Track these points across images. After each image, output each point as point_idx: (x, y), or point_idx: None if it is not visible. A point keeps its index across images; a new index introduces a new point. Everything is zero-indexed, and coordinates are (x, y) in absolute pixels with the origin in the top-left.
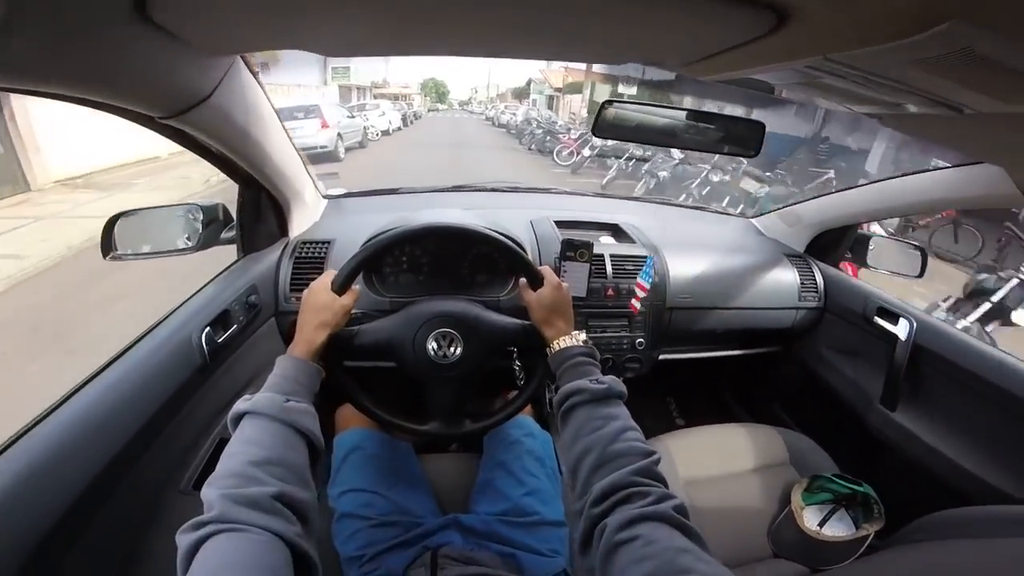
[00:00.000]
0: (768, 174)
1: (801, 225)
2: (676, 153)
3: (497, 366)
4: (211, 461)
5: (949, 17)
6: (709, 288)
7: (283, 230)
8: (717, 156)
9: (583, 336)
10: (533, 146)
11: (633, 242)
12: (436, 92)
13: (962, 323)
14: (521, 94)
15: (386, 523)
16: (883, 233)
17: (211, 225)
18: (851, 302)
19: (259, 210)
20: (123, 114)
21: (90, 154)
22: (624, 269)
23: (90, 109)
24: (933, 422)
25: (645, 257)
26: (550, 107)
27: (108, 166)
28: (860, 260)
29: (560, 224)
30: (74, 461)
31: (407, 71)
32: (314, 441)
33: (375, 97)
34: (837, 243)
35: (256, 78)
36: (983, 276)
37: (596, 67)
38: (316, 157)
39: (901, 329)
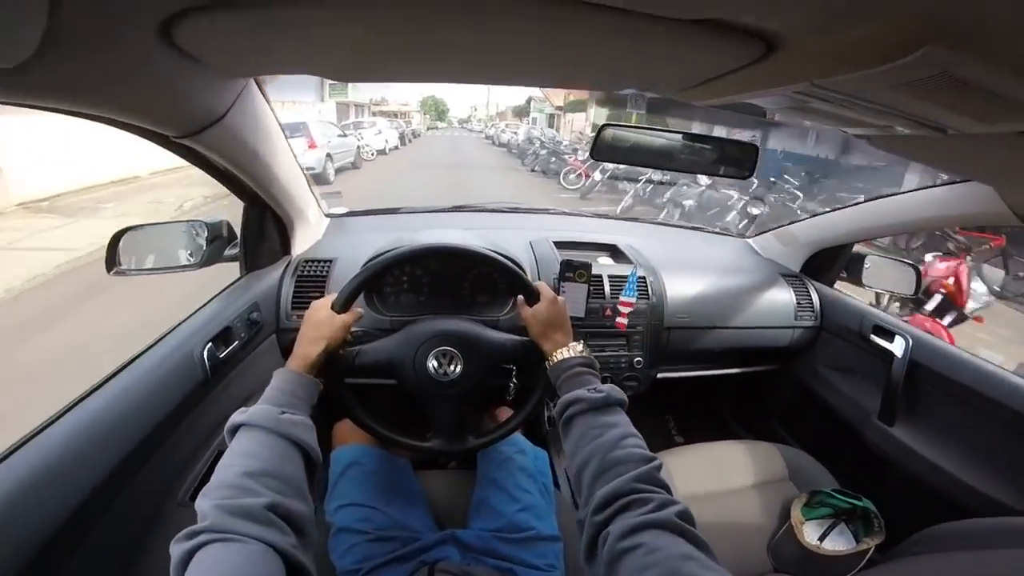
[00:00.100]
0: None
1: (797, 245)
2: (702, 179)
3: (495, 384)
4: (210, 474)
5: (924, 43)
6: (706, 308)
7: (286, 248)
8: (756, 184)
9: (580, 347)
10: (536, 167)
11: (631, 263)
12: (436, 110)
13: None
14: (521, 113)
15: (383, 538)
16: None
17: (215, 242)
18: (847, 320)
19: (263, 228)
20: (139, 132)
21: (62, 174)
22: (622, 289)
23: (64, 126)
24: (931, 436)
25: (643, 278)
26: (551, 126)
27: (81, 187)
28: (855, 279)
29: (559, 245)
30: (74, 471)
31: (407, 89)
32: (310, 453)
33: (374, 114)
34: (832, 262)
35: (267, 98)
36: None
37: None
38: None
39: (897, 346)
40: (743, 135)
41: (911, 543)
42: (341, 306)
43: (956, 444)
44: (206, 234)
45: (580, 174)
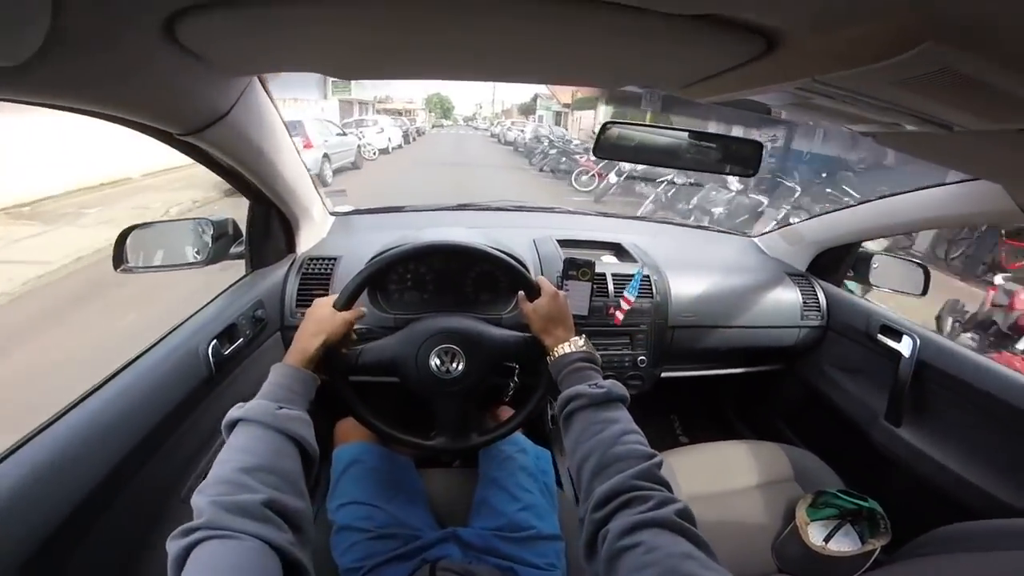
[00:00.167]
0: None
1: (803, 244)
2: (733, 183)
3: (498, 382)
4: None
5: (924, 39)
6: (711, 307)
7: (291, 246)
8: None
9: (582, 341)
10: (545, 167)
11: (635, 261)
12: (441, 108)
13: None
14: (527, 110)
15: (384, 536)
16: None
17: (220, 240)
18: (854, 320)
19: (268, 226)
20: (143, 130)
21: (50, 176)
22: (626, 288)
23: (54, 126)
24: (938, 437)
25: (647, 276)
26: (558, 123)
27: (69, 190)
28: (862, 278)
29: (563, 243)
30: (78, 466)
31: (411, 86)
32: (307, 448)
33: (379, 112)
34: (839, 261)
35: (270, 96)
36: None
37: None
38: None
39: (904, 346)
40: (760, 135)
41: (917, 544)
42: (343, 304)
43: (964, 445)
44: (212, 232)
45: (593, 175)
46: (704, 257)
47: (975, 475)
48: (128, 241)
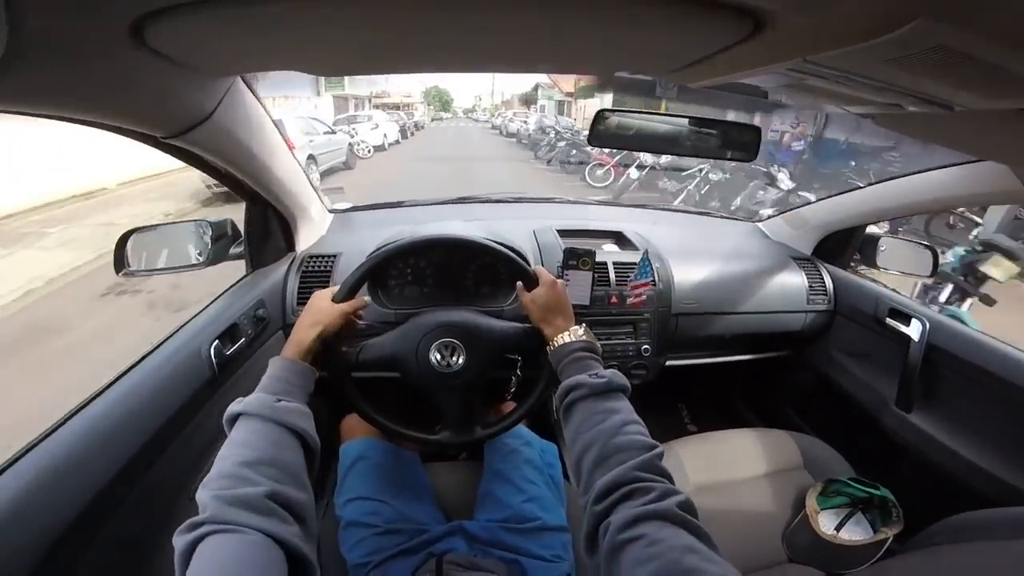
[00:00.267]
0: None
1: (807, 227)
2: (784, 180)
3: (500, 375)
4: None
5: (915, 16)
6: (715, 293)
7: (290, 245)
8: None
9: (581, 330)
10: (553, 160)
11: (637, 249)
12: (440, 101)
13: None
14: (528, 100)
15: (391, 530)
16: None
17: (220, 240)
18: (862, 304)
19: (266, 226)
20: (127, 134)
21: (19, 189)
22: (627, 277)
23: (22, 135)
24: (950, 423)
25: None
26: (560, 113)
27: (37, 204)
28: (870, 261)
29: (563, 233)
30: (87, 468)
31: (409, 80)
32: (308, 440)
33: (376, 107)
34: (845, 245)
35: (256, 95)
36: None
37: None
38: None
39: (914, 330)
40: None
41: (931, 533)
42: (342, 296)
43: (977, 431)
44: (211, 233)
45: (609, 169)
46: (707, 243)
47: (989, 462)
48: (129, 244)
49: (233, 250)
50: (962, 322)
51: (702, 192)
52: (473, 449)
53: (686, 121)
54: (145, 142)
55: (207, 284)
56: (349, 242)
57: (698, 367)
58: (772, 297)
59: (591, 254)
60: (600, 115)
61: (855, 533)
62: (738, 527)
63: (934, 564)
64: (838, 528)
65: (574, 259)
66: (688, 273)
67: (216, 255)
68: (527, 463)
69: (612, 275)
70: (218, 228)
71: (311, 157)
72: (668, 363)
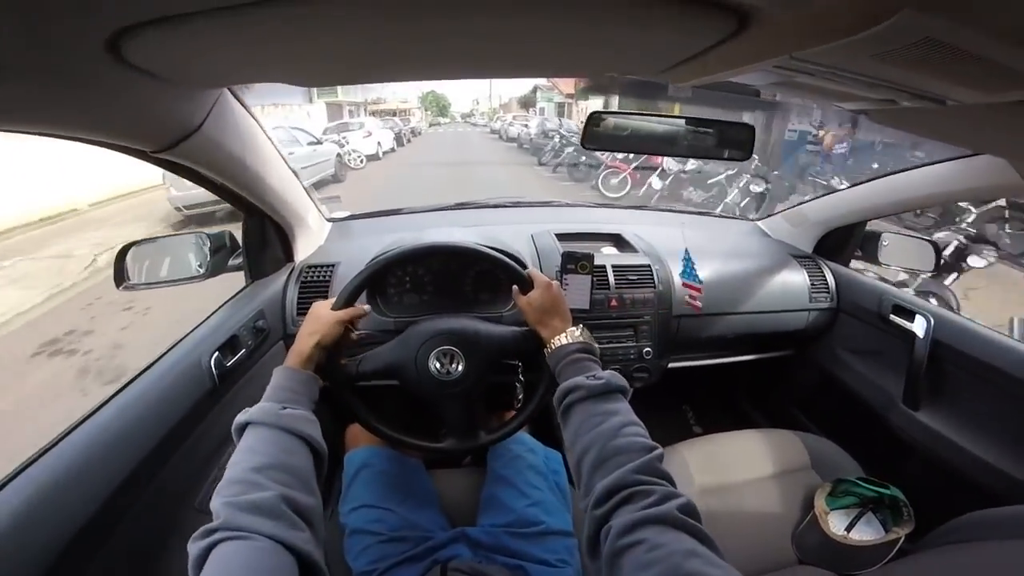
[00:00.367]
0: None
1: (807, 225)
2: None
3: (501, 382)
4: None
5: (900, 7)
6: (716, 293)
7: (288, 255)
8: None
9: (579, 332)
10: (559, 168)
11: (636, 251)
12: (437, 106)
13: None
14: (527, 103)
15: (396, 538)
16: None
17: (219, 253)
18: (865, 301)
19: (264, 237)
20: (116, 149)
21: None
22: (627, 279)
23: None
24: (959, 420)
25: (647, 266)
26: (560, 115)
27: (2, 228)
28: (871, 257)
29: (562, 237)
30: (90, 480)
31: (405, 86)
32: (315, 446)
33: (372, 114)
34: (845, 241)
35: (245, 105)
36: None
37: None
38: None
39: (918, 326)
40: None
41: (943, 532)
42: (340, 305)
43: (987, 427)
44: (209, 245)
45: (625, 177)
46: (706, 243)
47: (998, 458)
48: (128, 257)
49: (232, 261)
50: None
51: (741, 205)
52: (477, 455)
53: (682, 121)
54: (135, 156)
55: (148, 342)
56: (347, 251)
57: (701, 368)
58: (774, 296)
59: (590, 257)
60: (594, 117)
61: (866, 533)
62: (746, 529)
63: (946, 564)
64: (848, 528)
65: (572, 263)
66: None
67: (215, 267)
68: (531, 468)
69: (611, 278)
70: (216, 240)
71: (292, 172)
72: (671, 365)
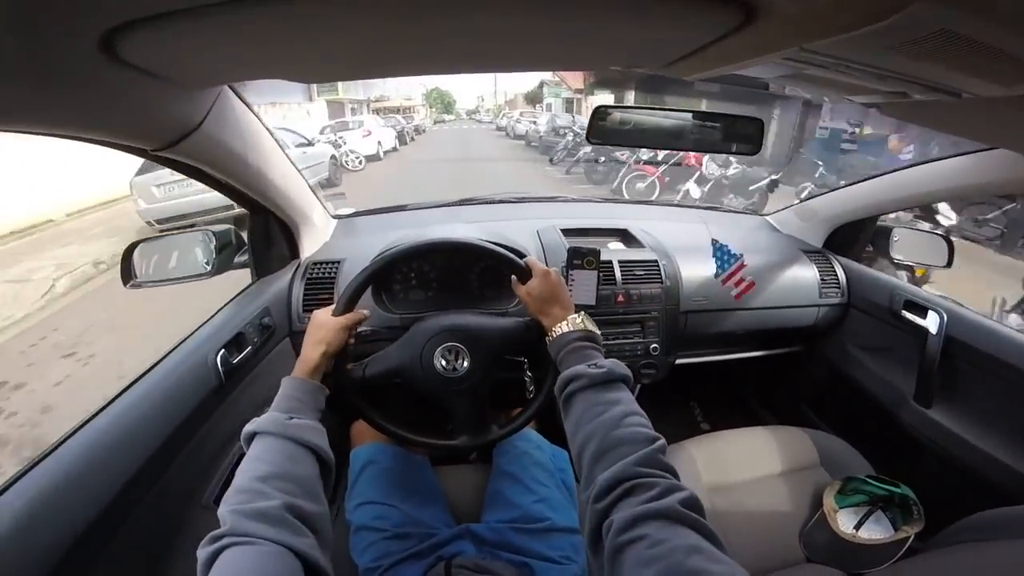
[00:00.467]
0: None
1: (817, 220)
2: (947, 213)
3: (508, 379)
4: (231, 477)
5: None
6: (724, 290)
7: (294, 252)
8: None
9: (580, 319)
10: (574, 169)
11: (643, 247)
12: (441, 103)
13: None
14: (534, 99)
15: (400, 535)
16: None
17: (225, 250)
18: (876, 296)
19: (269, 234)
20: (116, 147)
21: None
22: (634, 275)
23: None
24: (972, 417)
25: (655, 261)
26: (568, 111)
27: None
28: (883, 252)
29: (567, 232)
30: (97, 478)
31: (409, 83)
32: (322, 455)
33: (375, 111)
34: (856, 236)
35: (246, 103)
36: None
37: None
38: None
39: (931, 322)
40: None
41: (954, 531)
42: (341, 310)
43: (999, 425)
44: (215, 242)
45: (653, 181)
46: (715, 237)
47: (1012, 457)
48: (135, 255)
49: (238, 259)
50: None
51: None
52: (483, 452)
53: (688, 115)
54: (137, 154)
55: (78, 409)
56: (352, 247)
57: (709, 365)
58: (783, 291)
59: (596, 253)
60: (599, 111)
61: (875, 532)
62: (754, 527)
63: (957, 563)
64: (857, 527)
65: (578, 258)
66: (696, 269)
67: (221, 264)
68: (537, 465)
69: (618, 274)
70: (222, 237)
71: None
72: (678, 361)
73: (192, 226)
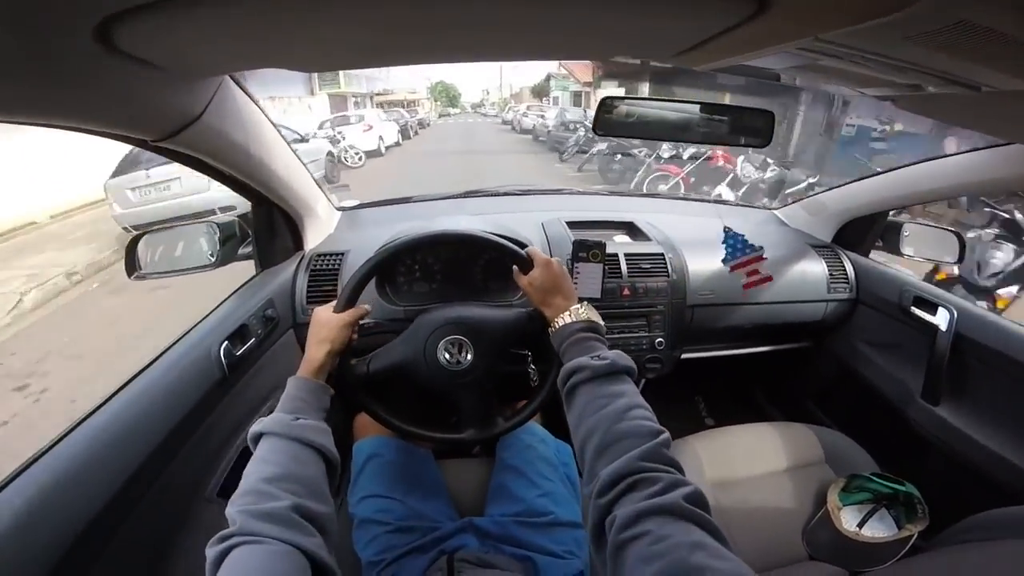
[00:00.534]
0: None
1: (826, 214)
2: None
3: (512, 372)
4: (234, 469)
5: None
6: (731, 283)
7: (298, 244)
8: None
9: (583, 309)
10: (586, 167)
11: (649, 240)
12: (446, 96)
13: None
14: (540, 92)
15: (403, 528)
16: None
17: (229, 242)
18: (885, 292)
19: (273, 225)
20: (115, 138)
21: None
22: (640, 268)
23: None
24: (980, 416)
25: (661, 254)
26: (577, 104)
27: None
28: (893, 247)
29: (572, 225)
30: (101, 471)
31: (414, 76)
32: (327, 455)
33: (379, 105)
34: (866, 231)
35: (248, 93)
36: None
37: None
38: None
39: (941, 319)
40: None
41: (959, 530)
42: (342, 306)
43: (1008, 424)
44: (219, 234)
45: (678, 182)
46: (720, 232)
47: (1021, 456)
48: (140, 247)
49: (242, 250)
50: None
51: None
52: (487, 445)
53: (696, 107)
54: (137, 145)
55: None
56: (357, 239)
57: (715, 360)
58: (791, 286)
59: (601, 246)
60: (605, 103)
61: (878, 530)
62: (757, 524)
63: (961, 562)
64: (861, 525)
65: (584, 251)
66: (703, 263)
67: (225, 256)
68: (541, 459)
69: (624, 267)
70: (226, 229)
71: None
72: (684, 356)
73: None
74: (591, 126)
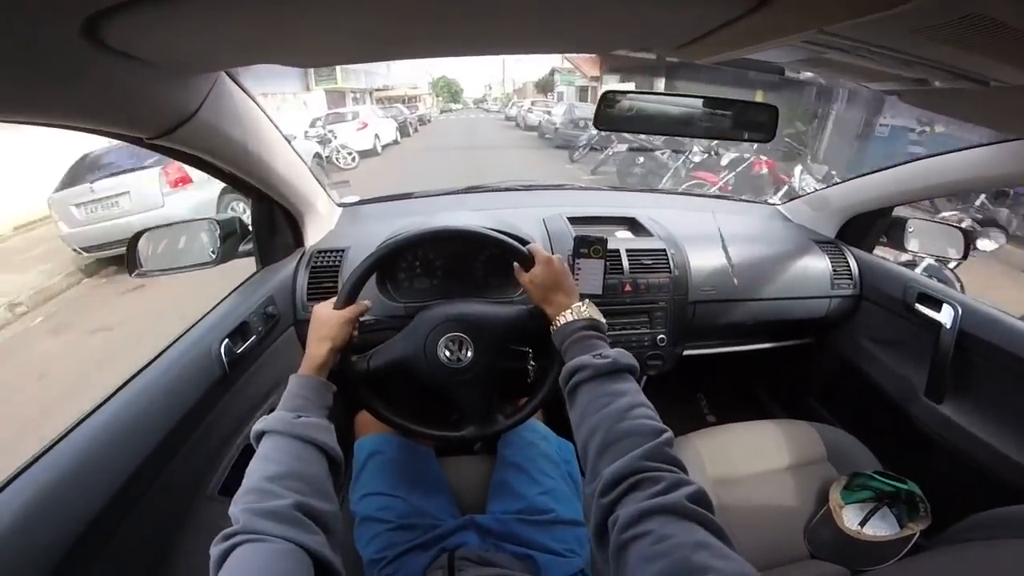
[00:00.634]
0: None
1: (830, 210)
2: None
3: (513, 368)
4: (236, 467)
5: None
6: (734, 279)
7: (298, 240)
8: None
9: (584, 307)
10: (601, 169)
11: (651, 235)
12: (448, 91)
13: None
14: (545, 87)
15: (404, 526)
16: None
17: (229, 239)
18: (889, 288)
19: (273, 222)
20: (109, 136)
21: None
22: (642, 264)
23: None
24: (983, 414)
25: (663, 250)
26: (582, 99)
27: None
28: (897, 244)
29: (574, 220)
30: (102, 469)
31: (414, 71)
32: (330, 452)
33: (378, 101)
34: (870, 227)
35: (244, 89)
36: None
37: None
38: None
39: (945, 316)
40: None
41: (962, 528)
42: (342, 303)
43: (1012, 422)
44: (219, 231)
45: (719, 190)
46: (724, 227)
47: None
48: (140, 244)
49: (243, 247)
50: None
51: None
52: (488, 443)
53: (699, 102)
54: (133, 143)
55: None
56: (357, 235)
57: (717, 356)
58: (794, 282)
59: (603, 241)
60: (607, 97)
61: (880, 528)
62: (758, 522)
63: (963, 561)
64: (862, 523)
65: (585, 247)
66: (705, 258)
67: (225, 253)
68: (543, 456)
69: (625, 263)
70: (227, 226)
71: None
72: (686, 353)
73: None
74: (592, 122)
